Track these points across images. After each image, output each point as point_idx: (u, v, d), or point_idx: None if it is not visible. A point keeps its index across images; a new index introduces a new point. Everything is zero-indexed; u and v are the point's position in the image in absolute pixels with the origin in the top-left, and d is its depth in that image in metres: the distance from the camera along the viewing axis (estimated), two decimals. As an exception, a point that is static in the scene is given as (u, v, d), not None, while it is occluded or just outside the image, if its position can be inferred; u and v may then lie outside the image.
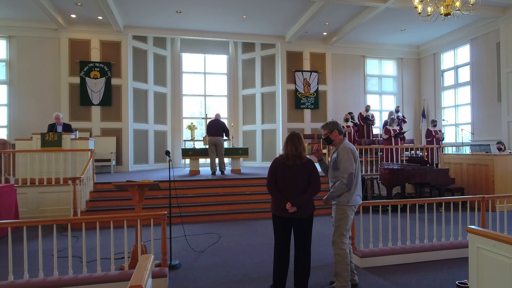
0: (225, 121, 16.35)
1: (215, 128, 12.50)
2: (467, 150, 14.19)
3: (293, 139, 4.52)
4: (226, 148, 12.85)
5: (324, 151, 14.62)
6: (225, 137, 12.70)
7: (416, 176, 10.22)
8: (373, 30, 15.74)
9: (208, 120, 13.44)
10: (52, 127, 10.95)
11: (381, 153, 13.51)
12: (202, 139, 14.72)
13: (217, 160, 12.62)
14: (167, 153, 6.23)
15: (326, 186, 11.18)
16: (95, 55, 14.58)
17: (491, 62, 14.50)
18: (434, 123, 14.49)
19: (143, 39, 15.70)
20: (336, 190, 4.61)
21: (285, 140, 4.60)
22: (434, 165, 12.86)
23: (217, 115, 12.93)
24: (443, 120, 17.02)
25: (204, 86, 17.68)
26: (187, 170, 14.21)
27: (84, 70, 14.35)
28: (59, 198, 9.49)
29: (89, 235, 6.69)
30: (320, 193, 4.66)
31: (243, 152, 13.36)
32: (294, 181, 4.43)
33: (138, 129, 15.39)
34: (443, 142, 14.80)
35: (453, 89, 16.90)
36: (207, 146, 12.97)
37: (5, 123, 14.26)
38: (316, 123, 16.66)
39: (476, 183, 10.87)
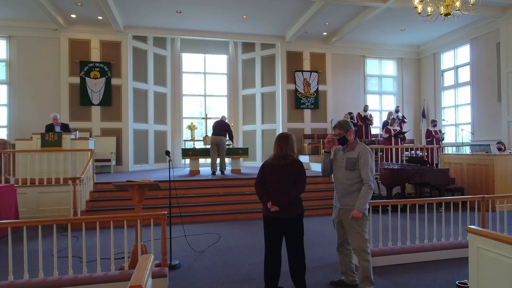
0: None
1: (219, 128, 12.60)
2: (467, 150, 14.19)
3: (280, 140, 4.53)
4: (226, 148, 12.85)
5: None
6: (228, 139, 12.75)
7: (416, 176, 10.21)
8: (373, 30, 15.74)
9: (214, 121, 13.51)
10: (49, 128, 10.91)
11: (381, 153, 13.52)
12: (202, 139, 14.73)
13: (218, 159, 12.65)
14: (167, 153, 6.22)
15: (324, 186, 11.23)
16: (95, 55, 14.59)
17: (491, 62, 14.50)
18: (434, 123, 14.48)
19: (143, 39, 15.71)
20: (366, 197, 4.50)
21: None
22: (434, 165, 12.86)
23: (223, 117, 13.05)
24: (443, 120, 17.02)
25: (204, 86, 17.69)
26: (187, 170, 14.21)
27: (84, 70, 14.36)
28: (59, 198, 9.49)
29: (89, 235, 6.69)
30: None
31: (243, 152, 13.37)
32: (280, 181, 4.43)
33: (138, 129, 15.40)
34: (443, 142, 14.78)
35: (453, 89, 16.91)
36: (207, 146, 12.98)
37: (5, 123, 14.26)
38: (316, 123, 16.73)
39: (476, 183, 10.87)
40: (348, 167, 4.59)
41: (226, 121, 12.91)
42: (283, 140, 4.50)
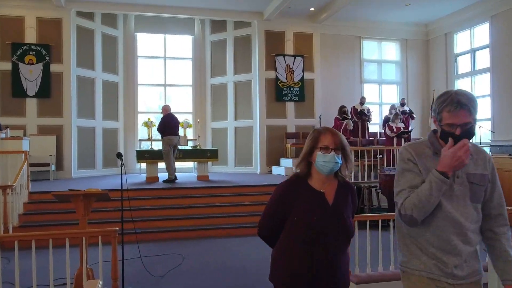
0: (190, 116, 16.52)
1: (176, 124, 12.54)
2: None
3: None
4: (190, 150, 12.88)
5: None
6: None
7: (421, 183, 10.37)
8: (371, 5, 15.66)
9: (162, 115, 12.80)
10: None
11: (381, 156, 13.58)
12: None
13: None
14: (119, 155, 6.31)
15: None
16: (31, 36, 14.50)
17: (516, 44, 14.48)
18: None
19: (89, 16, 15.67)
20: None
21: None
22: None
23: (168, 107, 12.86)
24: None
25: (164, 73, 17.76)
26: (143, 176, 14.18)
27: (17, 54, 14.28)
28: (-15, 213, 9.48)
29: (23, 256, 6.71)
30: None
31: (212, 155, 13.43)
32: None
33: (83, 126, 15.38)
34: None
35: (469, 77, 16.93)
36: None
37: None
38: (302, 118, 16.75)
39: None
40: (476, 195, 2.66)
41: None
42: None
